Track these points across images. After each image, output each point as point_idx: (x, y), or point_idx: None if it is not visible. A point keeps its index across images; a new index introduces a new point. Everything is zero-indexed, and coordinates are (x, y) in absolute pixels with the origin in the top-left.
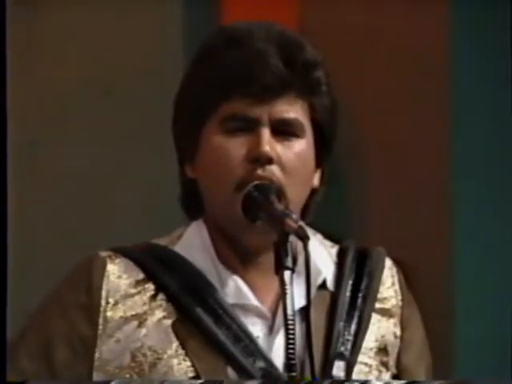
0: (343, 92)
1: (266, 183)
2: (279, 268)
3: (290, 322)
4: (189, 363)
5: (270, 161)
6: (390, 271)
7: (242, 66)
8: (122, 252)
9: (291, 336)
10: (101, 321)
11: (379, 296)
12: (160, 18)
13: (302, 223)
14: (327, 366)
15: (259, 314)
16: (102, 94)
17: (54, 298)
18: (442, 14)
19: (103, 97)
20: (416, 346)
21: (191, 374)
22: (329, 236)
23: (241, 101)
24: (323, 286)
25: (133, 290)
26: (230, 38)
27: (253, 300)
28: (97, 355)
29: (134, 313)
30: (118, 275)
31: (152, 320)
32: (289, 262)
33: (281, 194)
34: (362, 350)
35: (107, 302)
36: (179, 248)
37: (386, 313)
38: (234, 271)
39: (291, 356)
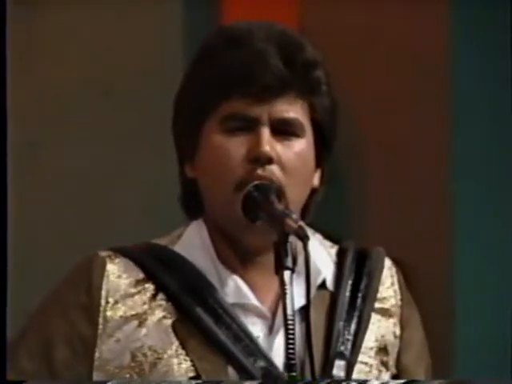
0: (343, 92)
1: (266, 183)
2: (279, 268)
3: (289, 322)
4: (189, 363)
5: (269, 161)
6: (390, 271)
7: (242, 66)
8: (122, 252)
9: (291, 336)
10: (101, 320)
11: (379, 296)
12: (160, 18)
13: (301, 223)
14: (327, 365)
15: (259, 314)
16: (101, 94)
17: (54, 298)
18: (442, 14)
19: (103, 97)
20: (415, 346)
21: (191, 374)
22: (329, 236)
23: (241, 100)
24: (323, 285)
25: (133, 290)
26: (230, 37)
27: (253, 300)
28: (97, 355)
29: (134, 312)
30: (117, 275)
31: (152, 320)
32: (289, 262)
33: (281, 193)
34: (362, 349)
35: (107, 302)
36: (179, 248)
37: (385, 312)
38: (234, 271)
39: (291, 356)
